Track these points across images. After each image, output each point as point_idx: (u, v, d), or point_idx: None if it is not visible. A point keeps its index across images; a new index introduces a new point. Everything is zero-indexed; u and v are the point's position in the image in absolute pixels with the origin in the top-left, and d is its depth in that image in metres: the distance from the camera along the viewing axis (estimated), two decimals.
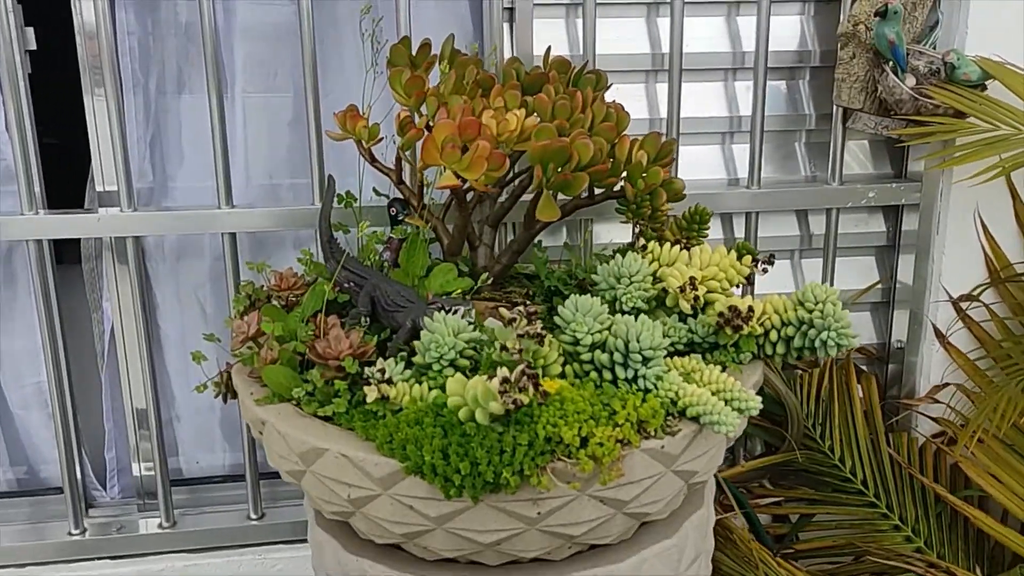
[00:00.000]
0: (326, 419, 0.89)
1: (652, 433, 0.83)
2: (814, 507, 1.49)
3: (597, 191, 1.13)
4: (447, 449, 0.78)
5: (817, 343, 0.91)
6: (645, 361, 0.86)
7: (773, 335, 0.95)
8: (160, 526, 1.50)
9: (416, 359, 0.89)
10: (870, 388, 1.52)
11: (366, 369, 0.89)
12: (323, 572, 1.04)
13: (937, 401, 1.52)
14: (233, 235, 1.41)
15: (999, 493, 1.39)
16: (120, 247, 1.44)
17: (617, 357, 0.86)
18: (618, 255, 1.00)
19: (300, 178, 1.52)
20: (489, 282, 1.13)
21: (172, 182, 1.53)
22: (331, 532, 0.98)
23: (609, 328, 0.88)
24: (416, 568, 0.93)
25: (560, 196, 1.05)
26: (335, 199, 1.19)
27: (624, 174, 1.08)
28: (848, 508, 1.48)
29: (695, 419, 0.86)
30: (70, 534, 1.48)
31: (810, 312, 0.92)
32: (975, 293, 1.49)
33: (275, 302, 1.11)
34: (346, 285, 1.08)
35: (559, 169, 1.01)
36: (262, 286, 1.17)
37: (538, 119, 1.08)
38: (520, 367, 0.76)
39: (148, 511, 1.56)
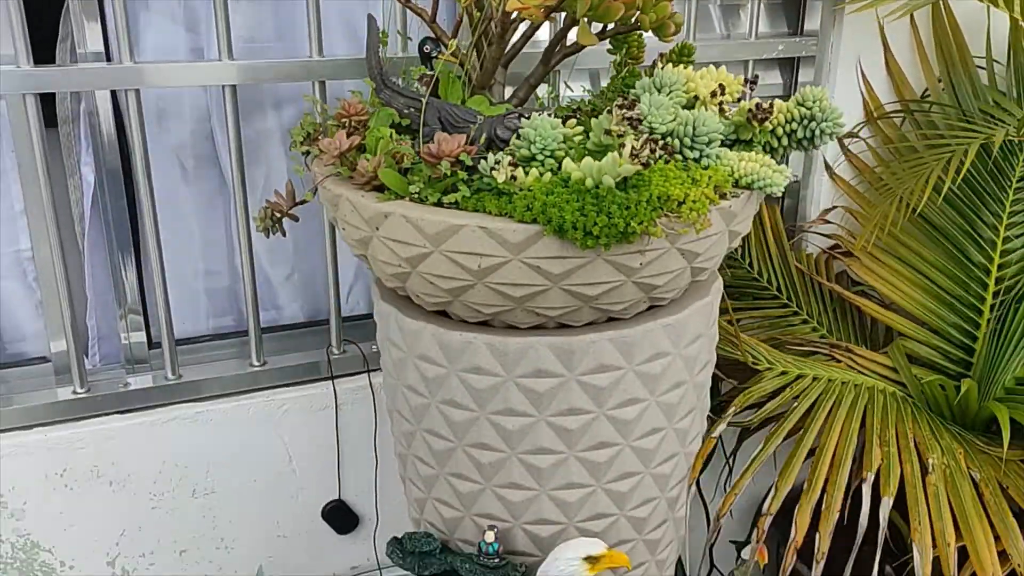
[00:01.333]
0: (451, 206, 1.03)
1: (726, 194, 1.05)
2: (740, 313, 1.79)
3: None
4: (584, 209, 0.96)
5: (817, 132, 1.17)
6: (708, 143, 1.07)
7: (779, 131, 1.19)
8: (166, 378, 1.55)
9: (519, 153, 1.05)
10: (775, 215, 1.84)
11: (482, 162, 1.03)
12: (386, 339, 1.20)
13: (827, 222, 1.86)
14: (234, 87, 1.46)
15: (882, 285, 1.75)
16: (104, 104, 1.45)
17: (686, 141, 1.07)
18: (658, 67, 1.19)
19: (262, 42, 1.58)
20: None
21: (138, 36, 1.52)
22: (394, 303, 1.15)
23: (674, 119, 1.08)
24: (463, 329, 1.11)
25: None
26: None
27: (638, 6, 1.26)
28: (766, 311, 1.79)
29: (748, 187, 1.09)
30: (75, 392, 1.50)
31: (810, 109, 1.17)
32: (855, 131, 1.83)
33: (323, 142, 1.21)
34: (405, 111, 1.20)
35: None
36: (315, 120, 1.26)
37: None
38: (644, 136, 0.95)
39: (140, 374, 1.60)
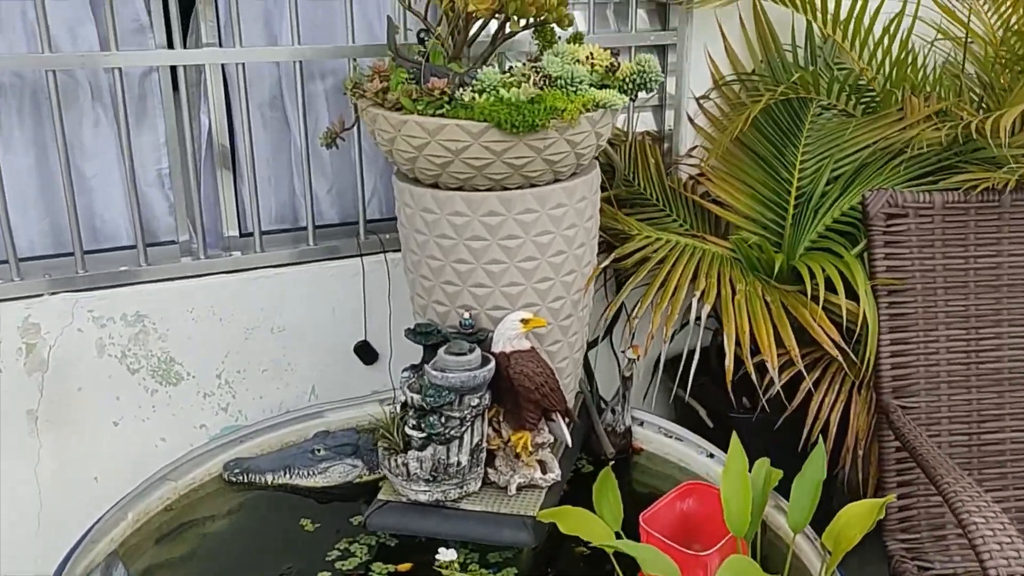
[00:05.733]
0: (439, 115, 1.89)
1: (590, 109, 1.92)
2: (632, 215, 2.66)
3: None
4: (511, 116, 1.81)
5: (646, 80, 2.03)
6: (579, 83, 1.93)
7: (626, 80, 2.06)
8: (254, 251, 2.39)
9: (475, 87, 1.91)
10: (656, 152, 2.71)
11: (456, 92, 1.89)
12: (402, 203, 2.05)
13: (691, 156, 2.74)
14: (300, 63, 2.31)
15: (725, 195, 2.63)
16: (216, 74, 2.30)
17: (568, 80, 1.93)
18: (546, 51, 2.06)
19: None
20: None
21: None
22: (407, 181, 1.99)
23: (561, 69, 1.95)
24: (448, 190, 1.95)
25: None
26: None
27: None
28: (650, 215, 2.67)
29: (603, 106, 1.95)
30: (195, 259, 2.34)
31: (641, 67, 2.04)
32: (707, 94, 2.72)
33: (367, 85, 2.06)
34: (411, 70, 2.06)
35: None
36: (355, 80, 2.12)
37: None
38: (541, 75, 1.81)
39: (235, 251, 2.43)
